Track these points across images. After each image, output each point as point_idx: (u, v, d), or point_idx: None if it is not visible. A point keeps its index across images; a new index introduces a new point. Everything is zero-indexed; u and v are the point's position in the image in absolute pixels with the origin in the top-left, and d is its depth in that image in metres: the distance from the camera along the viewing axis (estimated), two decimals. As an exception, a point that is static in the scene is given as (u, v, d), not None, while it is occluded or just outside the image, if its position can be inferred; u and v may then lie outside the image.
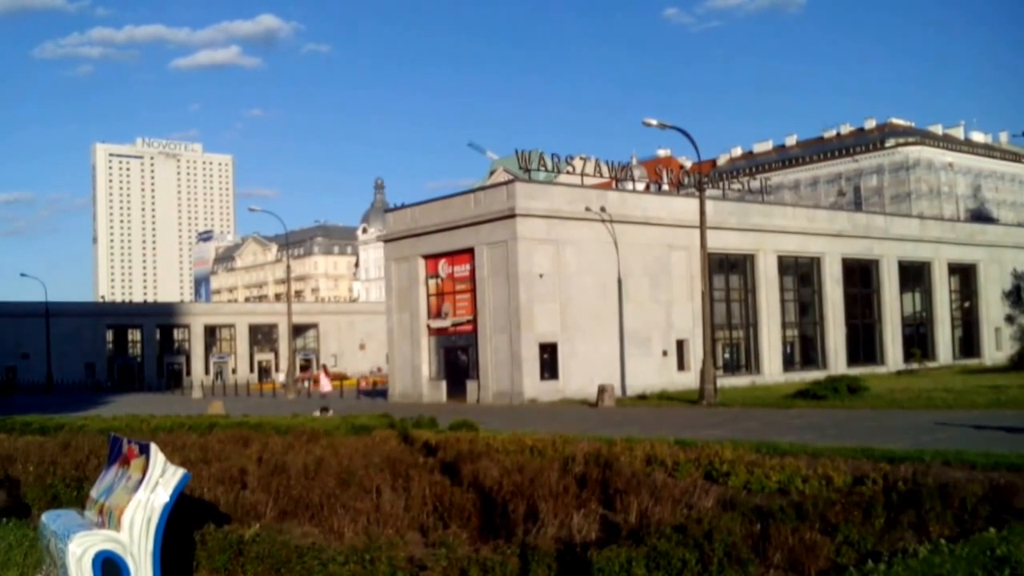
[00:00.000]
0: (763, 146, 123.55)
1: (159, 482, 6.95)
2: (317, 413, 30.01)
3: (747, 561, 7.02)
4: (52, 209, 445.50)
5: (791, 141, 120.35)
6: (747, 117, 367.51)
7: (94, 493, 7.78)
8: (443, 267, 42.55)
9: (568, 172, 44.24)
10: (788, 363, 48.96)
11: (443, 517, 9.63)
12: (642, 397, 36.90)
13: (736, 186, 50.98)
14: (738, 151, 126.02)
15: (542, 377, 38.49)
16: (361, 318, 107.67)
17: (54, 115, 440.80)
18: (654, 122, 33.28)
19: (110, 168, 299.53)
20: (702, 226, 33.55)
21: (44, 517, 7.84)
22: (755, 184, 50.83)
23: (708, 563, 6.83)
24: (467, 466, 11.92)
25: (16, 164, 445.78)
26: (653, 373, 41.13)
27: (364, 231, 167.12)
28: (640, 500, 9.36)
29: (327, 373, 41.11)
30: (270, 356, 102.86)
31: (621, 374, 39.40)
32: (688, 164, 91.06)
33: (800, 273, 51.18)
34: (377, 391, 54.63)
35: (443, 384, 42.58)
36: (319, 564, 7.21)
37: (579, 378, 38.37)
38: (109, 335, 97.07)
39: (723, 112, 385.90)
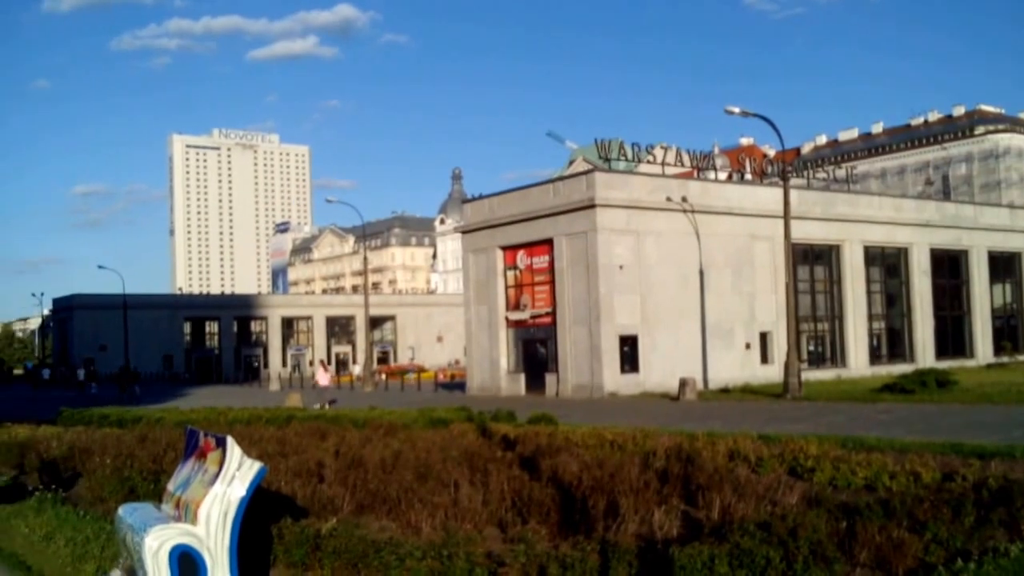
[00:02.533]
0: (848, 134, 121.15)
1: (236, 476, 6.89)
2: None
3: (833, 559, 6.86)
4: (129, 201, 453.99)
5: (877, 129, 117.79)
6: (832, 105, 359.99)
7: (171, 486, 7.76)
8: (521, 258, 42.41)
9: (648, 161, 43.72)
10: (875, 356, 47.92)
11: (522, 512, 9.46)
12: (724, 391, 36.36)
13: (821, 175, 49.94)
14: (823, 139, 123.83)
15: (622, 370, 38.15)
16: (438, 310, 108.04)
17: (132, 107, 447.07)
18: (736, 110, 32.68)
19: (187, 159, 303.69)
20: (786, 216, 32.86)
21: (121, 510, 7.84)
22: (840, 173, 49.77)
23: (793, 561, 6.66)
24: (546, 461, 11.75)
25: (94, 156, 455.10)
26: (736, 366, 40.53)
27: (441, 222, 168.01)
28: (723, 496, 9.15)
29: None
30: (347, 348, 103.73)
31: (703, 367, 38.88)
32: (771, 153, 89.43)
33: (887, 264, 50.00)
34: (455, 384, 54.85)
35: (521, 377, 42.47)
36: (396, 559, 7.10)
37: (660, 371, 37.93)
38: (187, 327, 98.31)
39: (807, 100, 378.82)
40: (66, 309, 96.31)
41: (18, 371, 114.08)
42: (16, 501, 12.02)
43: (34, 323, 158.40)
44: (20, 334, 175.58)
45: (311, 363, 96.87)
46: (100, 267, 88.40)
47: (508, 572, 6.20)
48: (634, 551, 6.30)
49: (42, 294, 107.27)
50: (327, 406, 31.16)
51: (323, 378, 38.78)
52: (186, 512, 7.00)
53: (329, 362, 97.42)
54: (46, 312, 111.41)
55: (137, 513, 7.54)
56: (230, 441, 7.00)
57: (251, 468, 6.98)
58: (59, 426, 22.66)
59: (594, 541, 6.85)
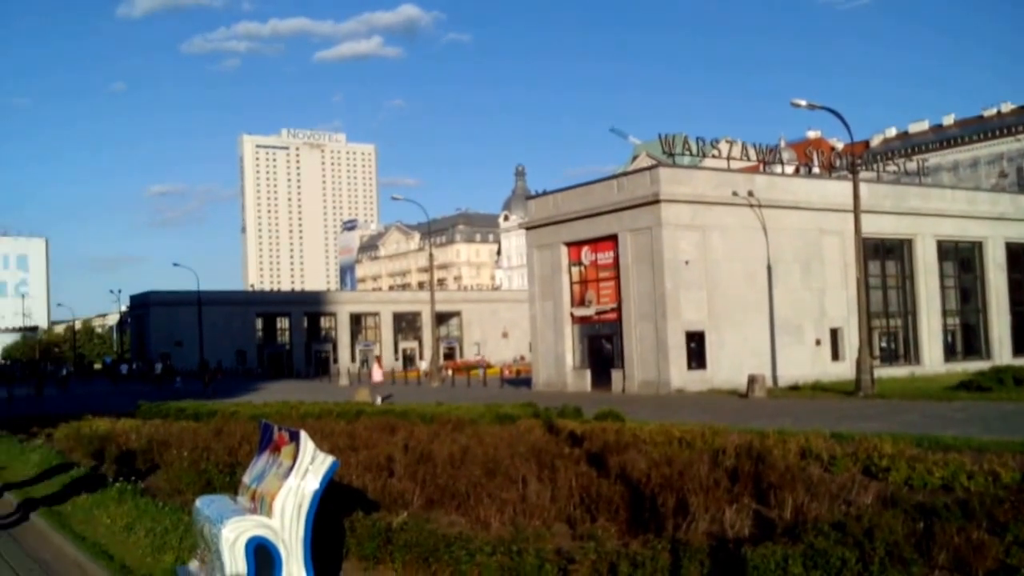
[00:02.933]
0: (919, 126, 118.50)
1: (309, 469, 6.99)
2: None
3: (910, 561, 6.72)
4: (202, 200, 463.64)
5: (949, 120, 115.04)
6: (901, 97, 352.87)
7: (246, 479, 7.90)
8: (586, 254, 42.32)
9: (713, 156, 43.32)
10: (949, 353, 46.94)
11: (590, 509, 9.45)
12: (794, 388, 35.88)
13: (891, 168, 49.07)
14: (892, 132, 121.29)
15: (689, 366, 37.88)
16: (503, 306, 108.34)
17: (203, 108, 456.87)
18: (803, 103, 32.21)
19: (257, 159, 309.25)
20: (856, 210, 32.32)
21: (198, 502, 8.01)
22: (911, 166, 48.81)
23: (869, 562, 6.53)
24: (614, 457, 11.73)
25: (168, 157, 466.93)
26: (805, 363, 40.00)
27: (505, 218, 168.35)
28: (795, 496, 9.02)
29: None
30: (414, 344, 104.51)
31: (772, 364, 38.47)
32: (839, 146, 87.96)
33: (961, 258, 48.94)
34: (520, 379, 54.92)
35: (587, 373, 42.40)
36: (467, 554, 7.14)
37: (728, 368, 37.61)
38: (259, 323, 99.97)
39: (875, 92, 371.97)
40: (143, 306, 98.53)
41: (97, 365, 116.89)
42: (96, 491, 12.34)
43: (112, 319, 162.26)
44: (99, 330, 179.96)
45: (378, 358, 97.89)
46: (175, 264, 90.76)
47: (578, 569, 6.19)
48: (706, 550, 6.24)
49: (120, 291, 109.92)
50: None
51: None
52: (261, 504, 7.12)
53: (396, 358, 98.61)
54: (124, 308, 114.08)
55: (214, 505, 7.69)
56: (303, 435, 7.11)
57: (324, 462, 7.08)
58: (137, 419, 23.19)
59: (664, 540, 6.81)
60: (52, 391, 55.85)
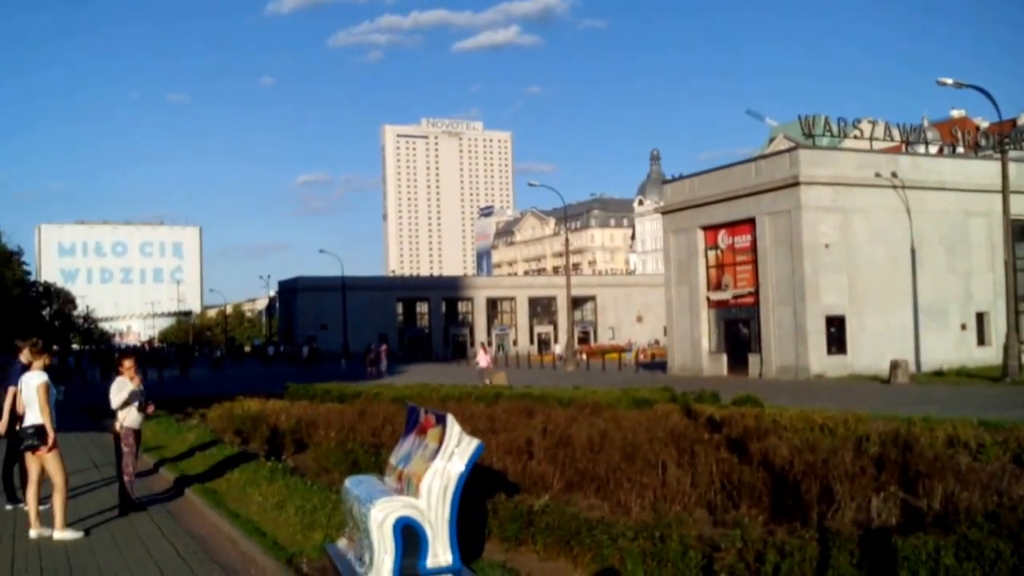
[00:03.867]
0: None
1: (455, 452, 7.14)
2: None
3: (1070, 556, 6.40)
4: (346, 189, 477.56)
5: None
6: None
7: (393, 460, 8.12)
8: (723, 238, 41.71)
9: (855, 137, 42.01)
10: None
11: (731, 496, 9.39)
12: (938, 374, 34.65)
13: (1044, 146, 46.51)
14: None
15: (829, 351, 36.97)
16: (638, 290, 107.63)
17: (347, 101, 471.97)
18: (949, 81, 30.98)
19: (398, 148, 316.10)
20: (1004, 190, 30.92)
21: (347, 482, 8.26)
22: (1066, 143, 46.15)
23: (1025, 556, 6.26)
24: (754, 444, 11.61)
25: (313, 148, 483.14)
26: (950, 348, 38.51)
27: (640, 203, 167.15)
28: (945, 484, 8.74)
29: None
30: (549, 328, 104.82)
31: (915, 349, 37.17)
32: (984, 125, 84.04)
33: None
34: (655, 364, 54.57)
35: (723, 357, 41.84)
36: (609, 538, 7.18)
37: (869, 353, 36.54)
38: (399, 307, 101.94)
39: (1021, 69, 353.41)
40: (290, 291, 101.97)
41: (247, 348, 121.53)
42: (247, 469, 12.84)
43: (261, 304, 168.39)
44: (249, 314, 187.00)
45: (514, 343, 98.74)
46: (321, 251, 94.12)
47: (723, 557, 6.14)
48: (856, 540, 6.12)
49: (268, 277, 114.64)
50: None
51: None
52: (408, 485, 7.32)
53: (531, 342, 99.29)
54: (272, 294, 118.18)
55: (363, 485, 7.93)
56: (450, 418, 7.27)
57: (469, 445, 7.23)
58: (285, 400, 24.04)
59: (811, 528, 6.72)
60: (206, 372, 58.39)
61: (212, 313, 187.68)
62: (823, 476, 9.31)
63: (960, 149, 45.05)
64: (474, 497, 8.59)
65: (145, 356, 62.67)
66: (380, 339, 73.17)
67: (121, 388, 11.23)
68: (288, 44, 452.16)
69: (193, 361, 57.77)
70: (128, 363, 11.44)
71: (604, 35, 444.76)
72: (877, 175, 37.88)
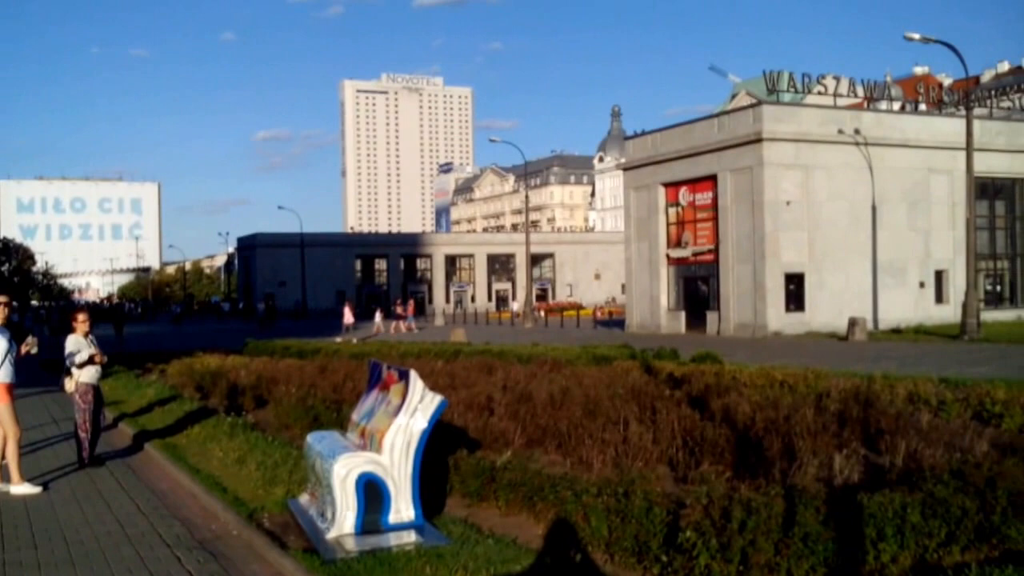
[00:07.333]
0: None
1: (418, 408, 7.07)
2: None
3: (1035, 511, 6.45)
4: (306, 145, 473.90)
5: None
6: (1014, 29, 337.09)
7: (355, 416, 8.03)
8: (684, 195, 41.72)
9: (819, 93, 42.03)
10: (1058, 296, 45.16)
11: (693, 452, 9.38)
12: (896, 331, 35.08)
13: (1005, 104, 46.99)
14: (1005, 66, 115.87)
15: (787, 309, 37.24)
16: (596, 248, 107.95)
17: (307, 56, 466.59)
18: (917, 36, 31.00)
19: (357, 104, 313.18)
20: (968, 148, 31.09)
21: (310, 438, 8.18)
22: (1027, 101, 46.64)
23: (990, 512, 6.33)
24: (715, 400, 11.59)
25: (273, 103, 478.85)
26: (908, 306, 38.97)
27: (600, 160, 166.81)
28: (907, 442, 8.76)
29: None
30: (507, 285, 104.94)
31: (873, 307, 37.57)
32: (948, 82, 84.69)
33: (1075, 199, 46.76)
34: (613, 321, 54.76)
35: (682, 315, 42.04)
36: (572, 495, 7.12)
37: (827, 310, 36.89)
38: (357, 264, 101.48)
39: (986, 25, 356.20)
40: (249, 248, 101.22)
41: (195, 306, 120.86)
42: (207, 424, 12.73)
43: (220, 260, 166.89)
44: (208, 271, 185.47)
45: (472, 299, 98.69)
46: (280, 208, 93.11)
47: (689, 514, 6.09)
48: (822, 497, 6.11)
49: (227, 233, 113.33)
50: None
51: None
52: (371, 442, 7.24)
53: (490, 299, 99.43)
54: (231, 250, 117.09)
55: (325, 441, 7.85)
56: (413, 374, 7.18)
57: (432, 401, 7.15)
58: (245, 356, 23.85)
59: (776, 485, 6.69)
60: (166, 328, 57.65)
61: (171, 270, 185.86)
62: (785, 433, 9.31)
63: (923, 106, 45.28)
64: (436, 453, 8.53)
65: (103, 312, 61.90)
66: (337, 296, 72.82)
67: (76, 344, 11.01)
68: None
69: (126, 320, 56.38)
70: (82, 317, 11.22)
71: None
72: (840, 132, 37.99)
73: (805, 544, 5.85)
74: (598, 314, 65.83)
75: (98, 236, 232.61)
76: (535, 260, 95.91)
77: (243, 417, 13.09)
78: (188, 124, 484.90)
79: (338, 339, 35.36)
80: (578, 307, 76.38)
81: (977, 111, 41.13)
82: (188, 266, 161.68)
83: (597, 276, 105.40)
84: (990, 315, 37.77)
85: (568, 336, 38.16)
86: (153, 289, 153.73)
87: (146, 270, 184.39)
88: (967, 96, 34.55)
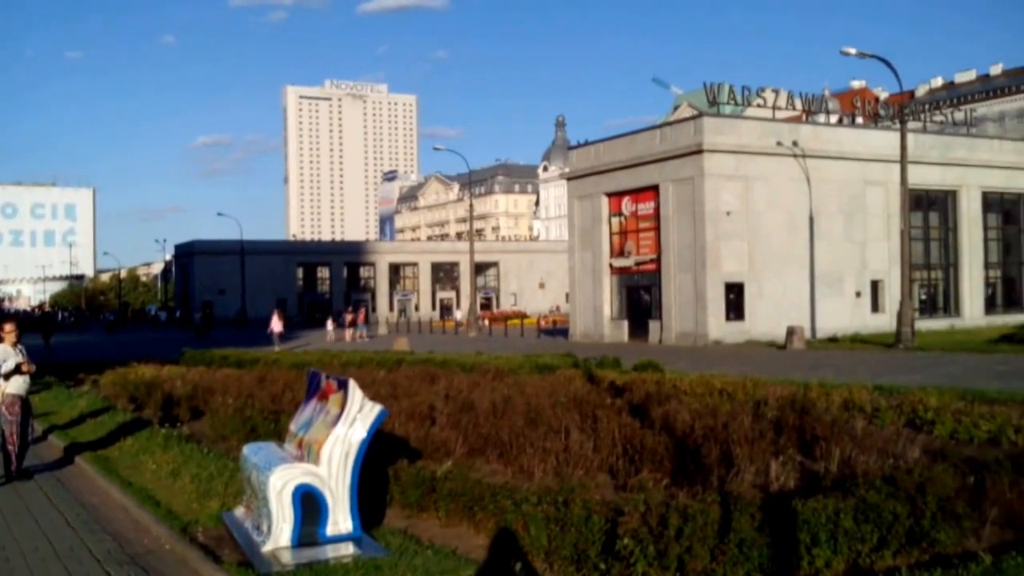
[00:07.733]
0: (965, 76, 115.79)
1: (357, 418, 7.01)
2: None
3: (962, 516, 6.68)
4: (247, 151, 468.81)
5: (996, 70, 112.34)
6: (948, 48, 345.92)
7: (293, 427, 7.94)
8: (627, 205, 42.00)
9: (758, 105, 42.61)
10: (990, 306, 46.22)
11: (633, 460, 9.44)
12: (833, 340, 35.61)
13: (938, 118, 47.97)
14: (938, 82, 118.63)
15: (727, 318, 37.63)
16: (541, 256, 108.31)
17: (249, 61, 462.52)
18: (853, 51, 31.55)
19: (300, 110, 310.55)
20: (903, 160, 31.72)
21: (246, 449, 8.06)
22: (959, 116, 47.72)
23: (920, 517, 6.46)
24: (656, 408, 11.68)
25: (214, 108, 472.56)
26: (845, 315, 39.60)
27: (544, 169, 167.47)
28: (842, 448, 8.91)
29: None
30: (451, 294, 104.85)
31: (811, 316, 38.12)
32: (883, 96, 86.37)
33: (1004, 210, 47.91)
34: (557, 330, 54.90)
35: (625, 324, 42.28)
36: (512, 504, 7.11)
37: (766, 319, 37.33)
38: (299, 272, 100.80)
39: (920, 41, 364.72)
40: (187, 255, 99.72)
41: (128, 313, 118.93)
42: (141, 436, 12.50)
43: (157, 268, 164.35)
44: (144, 278, 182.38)
45: (416, 308, 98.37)
46: (219, 214, 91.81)
47: (627, 521, 6.13)
48: (757, 503, 6.18)
49: (165, 240, 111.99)
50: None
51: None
52: (308, 452, 7.16)
53: (434, 307, 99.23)
54: (168, 258, 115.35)
55: (261, 452, 7.74)
56: (352, 384, 7.12)
57: (372, 411, 7.09)
58: (182, 366, 23.45)
59: (713, 492, 6.75)
60: (99, 337, 56.54)
61: (106, 277, 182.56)
62: (723, 440, 9.41)
63: (860, 120, 46.14)
64: (376, 463, 8.46)
65: (33, 321, 60.55)
66: (277, 304, 72.02)
67: (3, 354, 10.76)
68: (190, 2, 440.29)
69: (55, 328, 55.19)
70: (8, 327, 10.96)
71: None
72: (779, 144, 38.54)
73: (741, 550, 5.91)
74: (542, 323, 65.88)
75: (30, 242, 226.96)
76: (480, 269, 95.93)
77: (178, 429, 12.88)
78: (125, 128, 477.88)
79: (277, 348, 35.28)
80: (522, 316, 76.34)
81: (911, 125, 41.98)
82: (124, 274, 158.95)
83: (542, 285, 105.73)
84: (924, 324, 38.52)
85: (512, 345, 38.18)
86: (87, 297, 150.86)
87: (80, 278, 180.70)
88: (902, 110, 35.24)
